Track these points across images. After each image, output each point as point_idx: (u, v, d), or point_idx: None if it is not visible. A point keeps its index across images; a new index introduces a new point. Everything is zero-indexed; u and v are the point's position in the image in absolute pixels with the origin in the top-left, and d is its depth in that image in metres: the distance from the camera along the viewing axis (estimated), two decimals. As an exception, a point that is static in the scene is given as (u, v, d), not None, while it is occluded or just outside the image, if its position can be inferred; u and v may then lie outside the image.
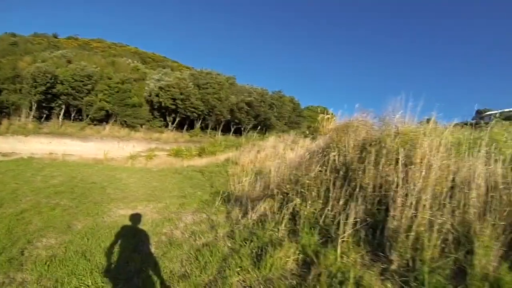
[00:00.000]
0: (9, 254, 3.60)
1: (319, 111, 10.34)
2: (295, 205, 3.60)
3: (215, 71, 23.67)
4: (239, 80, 26.61)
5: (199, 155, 13.78)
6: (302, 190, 3.82)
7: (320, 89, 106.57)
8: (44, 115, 15.32)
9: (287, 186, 4.19)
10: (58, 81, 15.25)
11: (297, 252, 2.92)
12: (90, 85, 15.95)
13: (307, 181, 3.86)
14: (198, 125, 22.67)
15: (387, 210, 2.92)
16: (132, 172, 10.06)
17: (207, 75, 22.42)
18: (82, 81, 15.76)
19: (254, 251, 3.06)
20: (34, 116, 14.89)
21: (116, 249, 3.72)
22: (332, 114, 7.85)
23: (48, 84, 14.76)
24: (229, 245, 3.41)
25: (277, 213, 3.70)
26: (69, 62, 18.41)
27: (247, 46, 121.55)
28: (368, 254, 2.70)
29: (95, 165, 10.83)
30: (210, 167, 10.77)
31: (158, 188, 7.96)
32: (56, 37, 38.88)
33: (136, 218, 4.94)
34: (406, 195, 2.78)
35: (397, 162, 3.17)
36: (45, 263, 3.38)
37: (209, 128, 23.29)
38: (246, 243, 3.30)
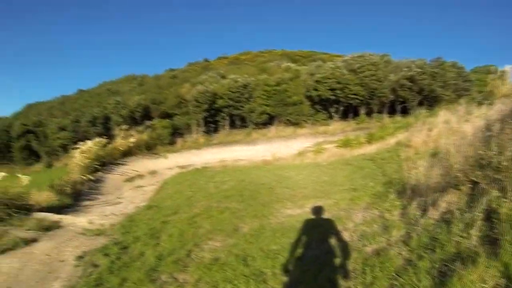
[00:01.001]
0: (177, 255, 4.04)
1: (488, 72, 8.37)
2: (490, 199, 2.61)
3: (367, 52, 22.41)
4: (394, 56, 24.59)
5: (368, 142, 13.14)
6: (498, 176, 2.74)
7: (481, 46, 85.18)
8: (212, 129, 17.49)
9: (476, 172, 3.17)
10: (218, 97, 17.29)
11: (497, 274, 1.91)
12: (247, 94, 17.41)
13: (505, 163, 2.78)
14: (362, 111, 21.77)
15: None
16: (300, 169, 10.18)
17: (360, 58, 21.34)
18: (239, 92, 17.36)
19: (435, 266, 2.27)
20: (203, 131, 17.23)
21: (277, 253, 3.61)
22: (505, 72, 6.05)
23: (209, 102, 16.88)
24: (404, 254, 2.72)
25: (466, 211, 2.77)
26: (224, 78, 20.61)
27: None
28: None
29: (263, 166, 11.46)
30: (381, 153, 10.08)
31: (328, 182, 7.76)
32: (207, 61, 44.40)
33: (301, 218, 4.77)
34: None
35: None
36: (207, 266, 3.58)
37: (374, 113, 22.01)
38: (425, 252, 2.53)
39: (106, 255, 4.63)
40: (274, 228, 4.61)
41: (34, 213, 7.81)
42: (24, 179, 8.79)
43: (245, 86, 17.49)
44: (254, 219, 5.26)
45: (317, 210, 4.45)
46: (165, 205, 7.57)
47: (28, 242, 5.90)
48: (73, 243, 5.71)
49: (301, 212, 5.31)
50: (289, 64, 27.00)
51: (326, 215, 4.52)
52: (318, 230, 3.93)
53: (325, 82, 18.28)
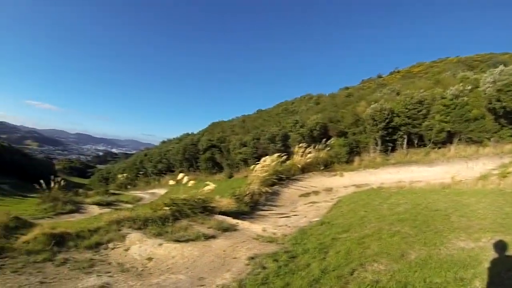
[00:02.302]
0: (341, 271, 4.22)
1: None
2: None
3: None
4: None
5: None
6: None
7: None
8: (389, 148, 16.63)
9: None
10: (394, 115, 16.33)
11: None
12: (424, 110, 15.87)
13: None
14: None
15: None
16: (481, 195, 8.76)
17: None
18: (415, 108, 16.00)
19: None
20: (380, 150, 16.53)
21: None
22: None
23: (387, 120, 16.12)
24: None
25: None
26: (398, 94, 19.30)
27: None
28: None
29: (441, 190, 10.35)
30: None
31: (511, 215, 6.49)
32: (380, 77, 42.68)
33: (473, 253, 4.27)
34: None
35: None
36: (366, 287, 3.64)
37: None
38: None
39: (275, 260, 5.21)
40: (442, 260, 4.27)
41: (215, 215, 9.18)
42: (210, 186, 10.08)
43: (420, 102, 16.02)
44: (423, 246, 4.96)
45: (496, 247, 3.87)
46: (337, 223, 7.74)
47: (208, 237, 7.17)
48: (246, 245, 6.59)
49: (475, 246, 4.70)
50: (465, 73, 23.21)
51: (506, 253, 3.88)
52: (492, 270, 3.46)
53: (509, 90, 14.71)
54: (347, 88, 38.93)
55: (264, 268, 4.97)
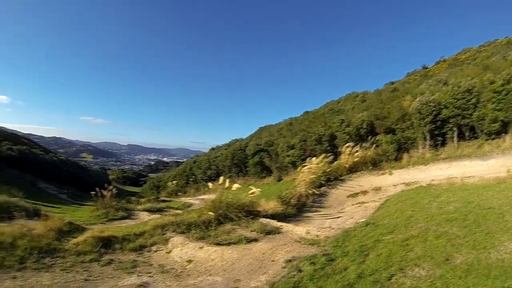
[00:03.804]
0: (378, 276, 4.07)
1: None
2: None
3: None
4: None
5: None
6: None
7: None
8: (439, 142, 15.63)
9: None
10: (442, 106, 15.30)
11: None
12: (474, 99, 14.61)
13: None
14: None
15: None
16: (543, 191, 7.93)
17: None
18: (464, 98, 14.78)
19: None
20: (429, 145, 15.59)
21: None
22: None
23: (434, 112, 15.17)
24: None
25: None
26: (445, 84, 17.96)
27: None
28: None
29: (496, 185, 9.46)
30: None
31: None
32: (425, 68, 39.85)
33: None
34: None
35: None
36: None
37: None
38: None
39: (312, 263, 5.17)
40: (491, 265, 3.92)
41: (260, 218, 9.22)
42: (255, 190, 10.19)
43: (469, 90, 14.78)
44: (471, 250, 4.59)
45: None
46: (383, 223, 7.44)
47: (250, 240, 7.33)
48: (287, 248, 6.63)
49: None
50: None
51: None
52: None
53: None
54: (392, 82, 37.16)
55: (299, 271, 4.98)
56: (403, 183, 12.30)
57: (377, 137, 17.56)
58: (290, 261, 5.59)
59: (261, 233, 7.81)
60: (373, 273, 4.26)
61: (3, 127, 74.17)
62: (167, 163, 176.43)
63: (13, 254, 6.45)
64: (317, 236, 7.40)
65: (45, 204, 18.17)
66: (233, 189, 9.90)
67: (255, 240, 7.36)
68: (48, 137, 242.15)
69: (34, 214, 10.46)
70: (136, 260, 6.90)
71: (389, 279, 3.99)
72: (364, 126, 18.81)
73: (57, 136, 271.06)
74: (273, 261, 5.89)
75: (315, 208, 11.76)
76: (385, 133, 17.81)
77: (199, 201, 20.56)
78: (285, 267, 5.34)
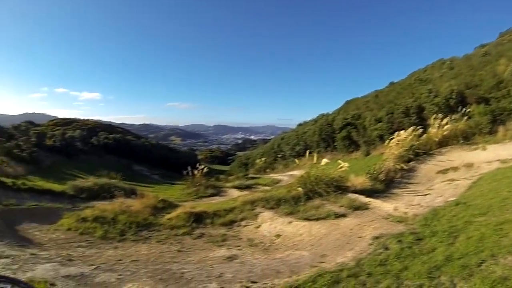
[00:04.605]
0: (467, 261, 3.82)
1: None
2: None
3: None
4: None
5: None
6: None
7: None
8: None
9: None
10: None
11: None
12: None
13: None
14: None
15: None
16: None
17: None
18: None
19: None
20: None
21: None
22: None
23: (536, 76, 13.00)
24: None
25: None
26: None
27: None
28: None
29: None
30: None
31: None
32: None
33: None
34: None
35: None
36: (492, 283, 3.27)
37: None
38: None
39: (399, 241, 5.04)
40: None
41: (348, 193, 9.20)
42: (343, 165, 10.18)
43: None
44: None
45: None
46: (474, 204, 6.88)
47: (338, 216, 7.39)
48: (374, 224, 6.55)
49: None
50: None
51: None
52: None
53: None
54: (483, 46, 32.04)
55: (386, 249, 4.90)
56: (498, 160, 11.10)
57: (469, 108, 15.91)
58: (377, 238, 5.52)
59: (349, 209, 7.82)
60: (462, 256, 4.00)
61: (99, 120, 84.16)
62: (254, 141, 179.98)
63: (115, 228, 7.68)
64: (405, 213, 7.20)
65: (139, 184, 20.77)
66: (321, 164, 10.08)
67: (343, 215, 7.39)
68: (138, 124, 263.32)
69: (131, 193, 12.26)
70: (226, 234, 7.50)
71: (479, 266, 3.67)
72: (454, 96, 17.06)
73: (147, 123, 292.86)
74: (360, 237, 5.91)
75: (403, 184, 11.38)
76: (477, 104, 15.92)
77: (287, 177, 20.76)
78: (371, 244, 5.21)
